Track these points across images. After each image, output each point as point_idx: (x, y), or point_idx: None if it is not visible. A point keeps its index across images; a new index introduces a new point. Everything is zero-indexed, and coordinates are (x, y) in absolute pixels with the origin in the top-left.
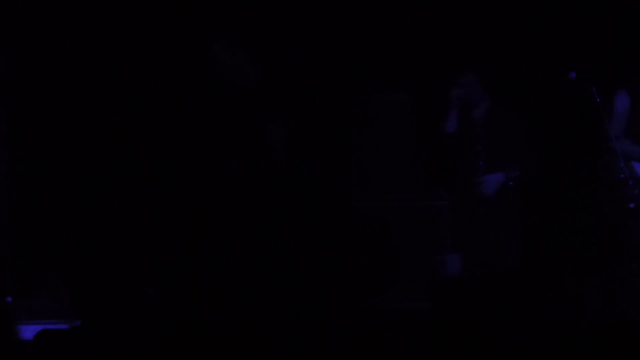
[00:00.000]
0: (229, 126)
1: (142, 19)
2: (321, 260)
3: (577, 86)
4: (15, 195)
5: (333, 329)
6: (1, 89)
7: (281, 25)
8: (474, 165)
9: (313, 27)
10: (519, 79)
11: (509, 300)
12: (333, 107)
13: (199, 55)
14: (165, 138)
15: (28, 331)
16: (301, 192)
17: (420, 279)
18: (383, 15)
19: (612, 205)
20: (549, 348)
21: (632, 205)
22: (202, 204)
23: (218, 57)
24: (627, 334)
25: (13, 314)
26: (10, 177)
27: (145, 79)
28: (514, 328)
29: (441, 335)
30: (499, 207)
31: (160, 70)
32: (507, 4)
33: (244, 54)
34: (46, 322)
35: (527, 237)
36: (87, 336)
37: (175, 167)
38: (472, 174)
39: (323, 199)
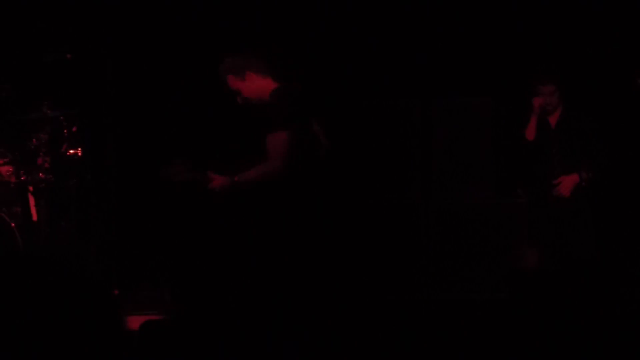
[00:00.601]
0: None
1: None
2: (409, 253)
3: None
4: (120, 191)
5: (420, 318)
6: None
7: (369, 31)
8: (550, 167)
9: (402, 35)
10: (590, 85)
11: (583, 292)
12: (421, 110)
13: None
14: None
15: (133, 322)
16: (393, 190)
17: (498, 271)
18: (469, 24)
19: None
20: (620, 338)
21: None
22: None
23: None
24: None
25: (120, 305)
26: (116, 175)
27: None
28: (588, 319)
29: (518, 324)
30: (573, 205)
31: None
32: (578, 14)
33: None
34: (150, 313)
35: (599, 232)
36: (189, 326)
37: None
38: (548, 174)
39: (410, 197)
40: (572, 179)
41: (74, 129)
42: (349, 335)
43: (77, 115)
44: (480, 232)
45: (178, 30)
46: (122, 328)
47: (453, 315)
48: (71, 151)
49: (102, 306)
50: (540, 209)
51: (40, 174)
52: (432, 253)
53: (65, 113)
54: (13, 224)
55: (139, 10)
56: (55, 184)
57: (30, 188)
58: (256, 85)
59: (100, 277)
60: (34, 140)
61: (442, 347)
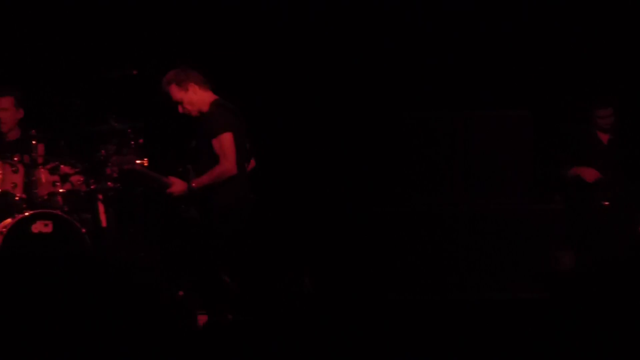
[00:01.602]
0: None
1: None
2: (453, 254)
3: None
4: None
5: (455, 318)
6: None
7: (415, 47)
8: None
9: (446, 50)
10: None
11: (620, 292)
12: (464, 122)
13: None
14: None
15: (199, 320)
16: (434, 197)
17: (538, 272)
18: (511, 39)
19: None
20: None
21: None
22: None
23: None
24: None
25: (186, 305)
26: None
27: None
28: (624, 317)
29: (556, 322)
30: (613, 210)
31: None
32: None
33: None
34: (213, 313)
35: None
36: (249, 325)
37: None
38: (594, 184)
39: (457, 203)
40: None
41: (140, 140)
42: (383, 335)
43: (142, 128)
44: (521, 234)
45: (238, 45)
46: (187, 326)
47: (490, 316)
48: (137, 162)
49: (167, 306)
50: (582, 214)
51: (109, 183)
52: (472, 256)
53: (132, 126)
54: (84, 230)
55: (202, 26)
56: (122, 192)
57: (100, 196)
58: (197, 96)
59: (165, 279)
60: (102, 151)
61: (473, 347)
